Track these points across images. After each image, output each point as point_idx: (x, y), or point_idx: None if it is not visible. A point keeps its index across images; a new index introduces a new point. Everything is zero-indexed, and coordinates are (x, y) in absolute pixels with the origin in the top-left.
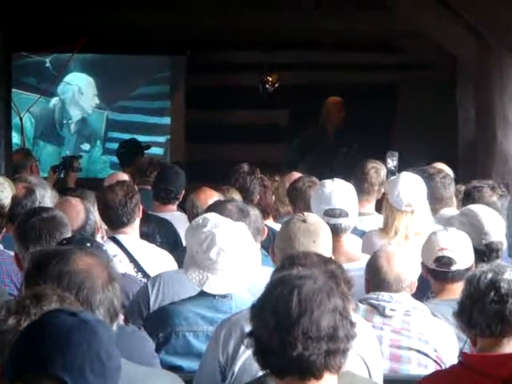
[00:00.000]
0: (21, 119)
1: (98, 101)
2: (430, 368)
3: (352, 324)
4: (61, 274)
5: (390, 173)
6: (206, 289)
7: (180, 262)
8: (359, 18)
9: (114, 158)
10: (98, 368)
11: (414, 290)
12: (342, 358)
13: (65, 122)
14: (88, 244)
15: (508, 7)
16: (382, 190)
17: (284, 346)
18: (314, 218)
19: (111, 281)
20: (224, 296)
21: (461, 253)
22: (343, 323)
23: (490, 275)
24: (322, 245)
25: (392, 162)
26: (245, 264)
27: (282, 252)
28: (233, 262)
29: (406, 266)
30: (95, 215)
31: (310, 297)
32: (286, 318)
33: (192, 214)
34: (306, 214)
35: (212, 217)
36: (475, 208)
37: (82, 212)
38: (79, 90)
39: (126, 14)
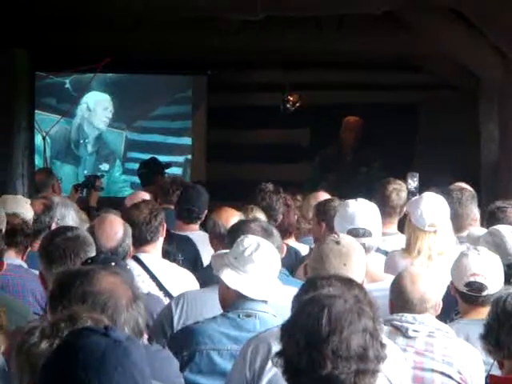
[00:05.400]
0: (44, 138)
1: (109, 115)
2: None
3: (382, 345)
4: (85, 294)
5: (411, 194)
6: (243, 290)
7: (201, 281)
8: (382, 39)
9: (134, 178)
10: None
11: (438, 311)
12: (371, 379)
13: (81, 141)
14: (112, 263)
15: None
16: (405, 209)
17: (313, 365)
18: (347, 240)
19: (135, 300)
20: (248, 315)
21: (492, 278)
22: (373, 344)
23: None
24: (354, 268)
25: (413, 183)
26: (276, 279)
27: (314, 272)
28: (270, 272)
29: (430, 286)
30: (131, 239)
31: (341, 316)
32: (315, 337)
33: (214, 234)
34: (341, 235)
35: (253, 236)
36: (502, 228)
37: (119, 233)
38: (87, 108)
39: (148, 34)
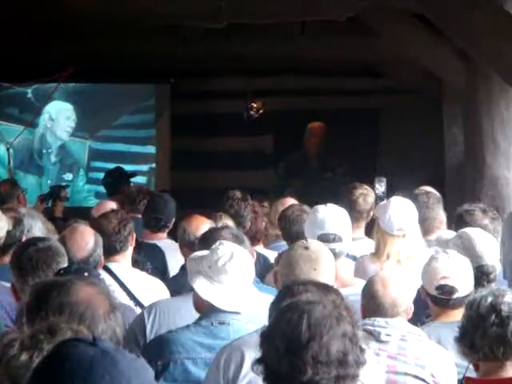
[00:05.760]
0: (8, 149)
1: (72, 125)
2: None
3: (361, 350)
4: (62, 304)
5: (379, 199)
6: (215, 302)
7: (170, 290)
8: (345, 44)
9: (99, 188)
10: None
11: (410, 315)
12: None
13: (44, 151)
14: (86, 273)
15: (496, 31)
16: (372, 214)
17: (294, 371)
18: (316, 246)
19: (113, 310)
20: (222, 322)
21: (462, 280)
22: (353, 349)
23: (490, 299)
24: (323, 272)
25: (381, 188)
26: (250, 288)
27: (284, 278)
28: (243, 282)
29: (401, 290)
30: (101, 249)
31: (320, 322)
32: (295, 343)
33: (183, 241)
34: (309, 240)
35: (228, 243)
36: (470, 231)
37: (90, 243)
38: (49, 117)
39: (110, 43)
